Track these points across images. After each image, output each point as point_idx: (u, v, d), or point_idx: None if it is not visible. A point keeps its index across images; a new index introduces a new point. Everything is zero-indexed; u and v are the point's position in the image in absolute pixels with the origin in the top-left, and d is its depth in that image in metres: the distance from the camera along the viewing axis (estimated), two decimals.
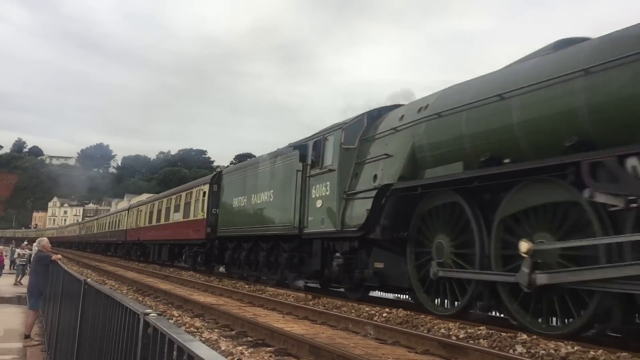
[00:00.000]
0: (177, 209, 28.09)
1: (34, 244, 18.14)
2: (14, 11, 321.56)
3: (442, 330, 8.82)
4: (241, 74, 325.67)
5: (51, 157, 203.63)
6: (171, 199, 29.77)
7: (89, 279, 5.62)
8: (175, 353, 2.32)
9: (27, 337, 9.99)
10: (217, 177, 23.50)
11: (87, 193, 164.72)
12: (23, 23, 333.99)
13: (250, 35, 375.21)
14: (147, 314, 2.83)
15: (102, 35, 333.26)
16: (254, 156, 30.95)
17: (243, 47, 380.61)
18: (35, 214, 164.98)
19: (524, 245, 8.10)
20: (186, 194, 27.06)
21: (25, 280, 21.14)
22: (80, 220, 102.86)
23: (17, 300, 16.84)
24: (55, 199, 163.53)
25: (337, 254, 13.36)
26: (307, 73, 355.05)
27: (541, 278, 7.89)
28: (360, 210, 12.24)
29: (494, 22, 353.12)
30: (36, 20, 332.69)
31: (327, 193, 13.72)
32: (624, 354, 6.69)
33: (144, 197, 61.99)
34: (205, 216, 23.05)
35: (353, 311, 11.29)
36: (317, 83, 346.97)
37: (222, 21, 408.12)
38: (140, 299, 14.04)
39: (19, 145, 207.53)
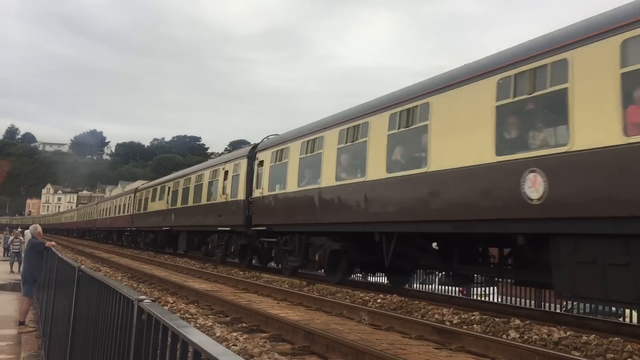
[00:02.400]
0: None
1: (27, 230, 18.06)
2: None
3: (436, 316, 8.88)
4: (235, 59, 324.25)
5: (44, 144, 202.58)
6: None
7: (82, 266, 5.59)
8: (169, 339, 2.30)
9: (21, 323, 9.98)
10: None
11: (86, 180, 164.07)
12: (9, 5, 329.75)
13: (245, 20, 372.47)
14: (141, 300, 2.81)
15: (90, 18, 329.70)
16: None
17: (237, 33, 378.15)
18: (29, 201, 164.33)
19: None
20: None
21: (16, 267, 21.13)
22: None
23: (11, 287, 16.80)
24: (48, 185, 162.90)
25: None
26: (301, 59, 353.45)
27: None
28: None
29: (486, 6, 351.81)
30: (23, 2, 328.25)
31: None
32: (616, 338, 6.75)
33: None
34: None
35: (347, 297, 11.34)
36: (311, 69, 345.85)
37: (216, 5, 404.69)
38: (135, 285, 14.04)
39: (11, 132, 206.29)
